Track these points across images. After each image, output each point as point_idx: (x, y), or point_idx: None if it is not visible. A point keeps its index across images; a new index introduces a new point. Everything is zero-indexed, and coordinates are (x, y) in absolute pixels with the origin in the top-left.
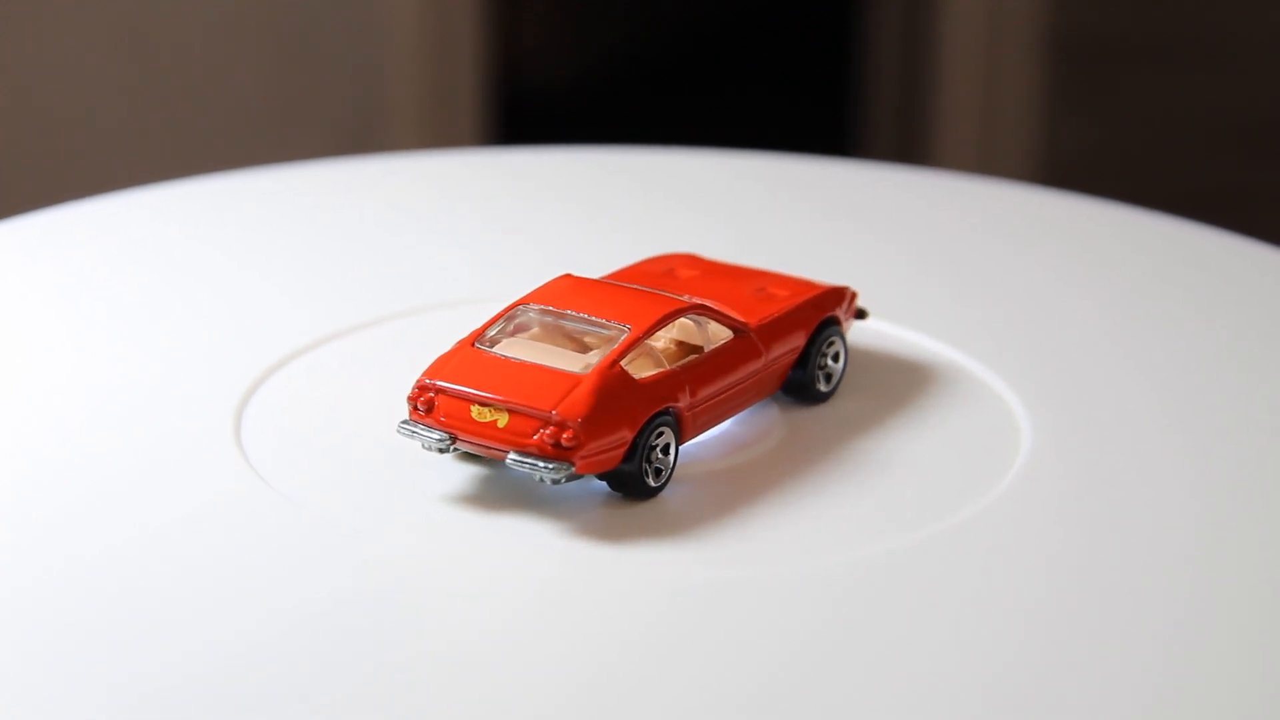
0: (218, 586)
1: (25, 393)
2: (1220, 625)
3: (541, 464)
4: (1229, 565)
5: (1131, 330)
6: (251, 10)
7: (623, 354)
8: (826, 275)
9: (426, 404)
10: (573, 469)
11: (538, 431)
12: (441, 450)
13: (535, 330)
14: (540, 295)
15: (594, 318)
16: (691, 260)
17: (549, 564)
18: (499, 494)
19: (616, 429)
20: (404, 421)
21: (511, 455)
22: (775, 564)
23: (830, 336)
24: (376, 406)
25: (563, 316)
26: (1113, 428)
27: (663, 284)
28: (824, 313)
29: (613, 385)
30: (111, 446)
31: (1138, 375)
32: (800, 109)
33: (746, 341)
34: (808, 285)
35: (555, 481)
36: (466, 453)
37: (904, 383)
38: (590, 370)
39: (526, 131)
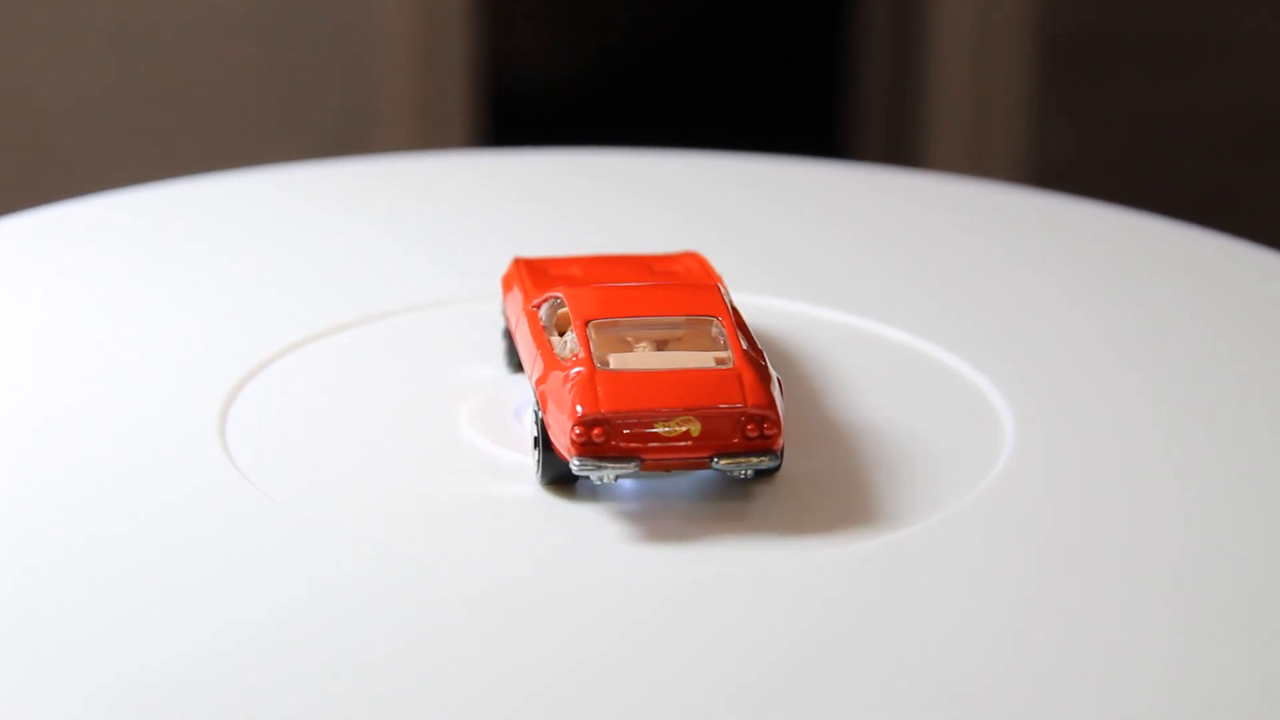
0: (198, 585)
1: (11, 389)
2: (1210, 621)
3: (753, 459)
4: (1216, 566)
5: (1121, 331)
6: (241, 11)
7: (737, 339)
8: (819, 277)
9: (602, 436)
10: (779, 455)
11: (736, 429)
12: (622, 476)
13: (622, 341)
14: (589, 310)
15: (673, 316)
16: (544, 261)
17: (538, 562)
18: (487, 492)
19: (779, 409)
20: (580, 461)
21: (719, 459)
22: (768, 561)
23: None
24: (363, 406)
25: (639, 324)
26: (1100, 428)
27: (569, 284)
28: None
29: (758, 370)
30: (95, 444)
31: (1126, 376)
32: (790, 110)
33: (738, 317)
34: (680, 258)
35: (760, 473)
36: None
37: (892, 382)
38: (733, 361)
39: (516, 133)
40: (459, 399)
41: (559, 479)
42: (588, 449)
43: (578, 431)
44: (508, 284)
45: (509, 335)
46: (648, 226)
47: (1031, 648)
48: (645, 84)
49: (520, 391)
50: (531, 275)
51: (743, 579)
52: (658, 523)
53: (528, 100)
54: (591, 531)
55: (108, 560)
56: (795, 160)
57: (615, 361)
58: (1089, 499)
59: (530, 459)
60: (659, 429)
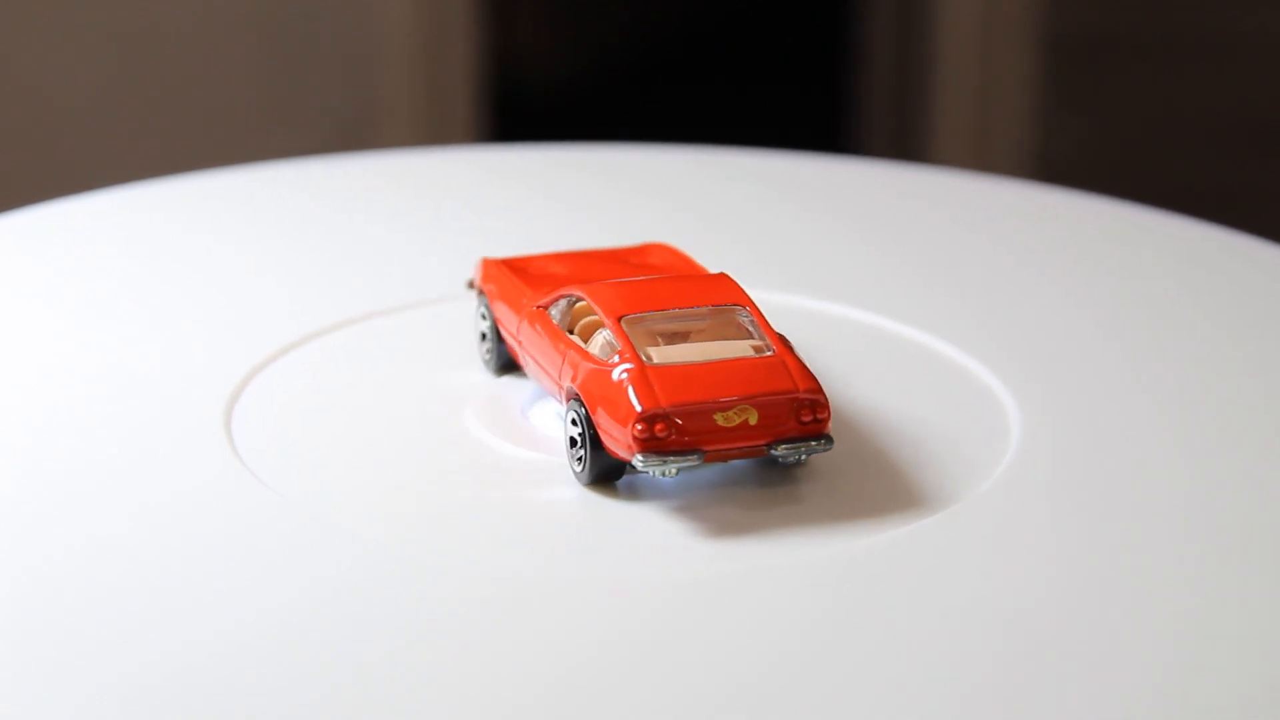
0: (204, 582)
1: (16, 386)
2: (1215, 616)
3: (810, 443)
4: (1222, 560)
5: (1126, 325)
6: (246, 7)
7: (769, 327)
8: (823, 272)
9: (664, 431)
10: (831, 438)
11: (791, 415)
12: (684, 469)
13: (650, 335)
14: (618, 307)
15: (701, 307)
16: (520, 260)
17: (541, 559)
18: (489, 489)
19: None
20: (644, 458)
21: (780, 446)
22: (771, 557)
23: None
24: (370, 401)
25: (669, 318)
26: (1105, 422)
27: (561, 284)
28: None
29: (796, 356)
30: (101, 440)
31: (1131, 370)
32: (795, 106)
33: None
34: (651, 249)
35: (810, 455)
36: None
37: (897, 377)
38: (774, 348)
39: (520, 129)
40: (466, 395)
41: (601, 477)
42: (650, 445)
43: (640, 428)
44: (492, 284)
45: (498, 338)
46: (651, 222)
47: (1037, 643)
48: (649, 80)
49: (525, 389)
50: (518, 275)
51: (748, 576)
52: (662, 520)
53: (531, 97)
54: (601, 527)
55: (112, 557)
56: (800, 156)
57: (658, 356)
58: (1095, 494)
59: (552, 458)
60: (718, 420)
